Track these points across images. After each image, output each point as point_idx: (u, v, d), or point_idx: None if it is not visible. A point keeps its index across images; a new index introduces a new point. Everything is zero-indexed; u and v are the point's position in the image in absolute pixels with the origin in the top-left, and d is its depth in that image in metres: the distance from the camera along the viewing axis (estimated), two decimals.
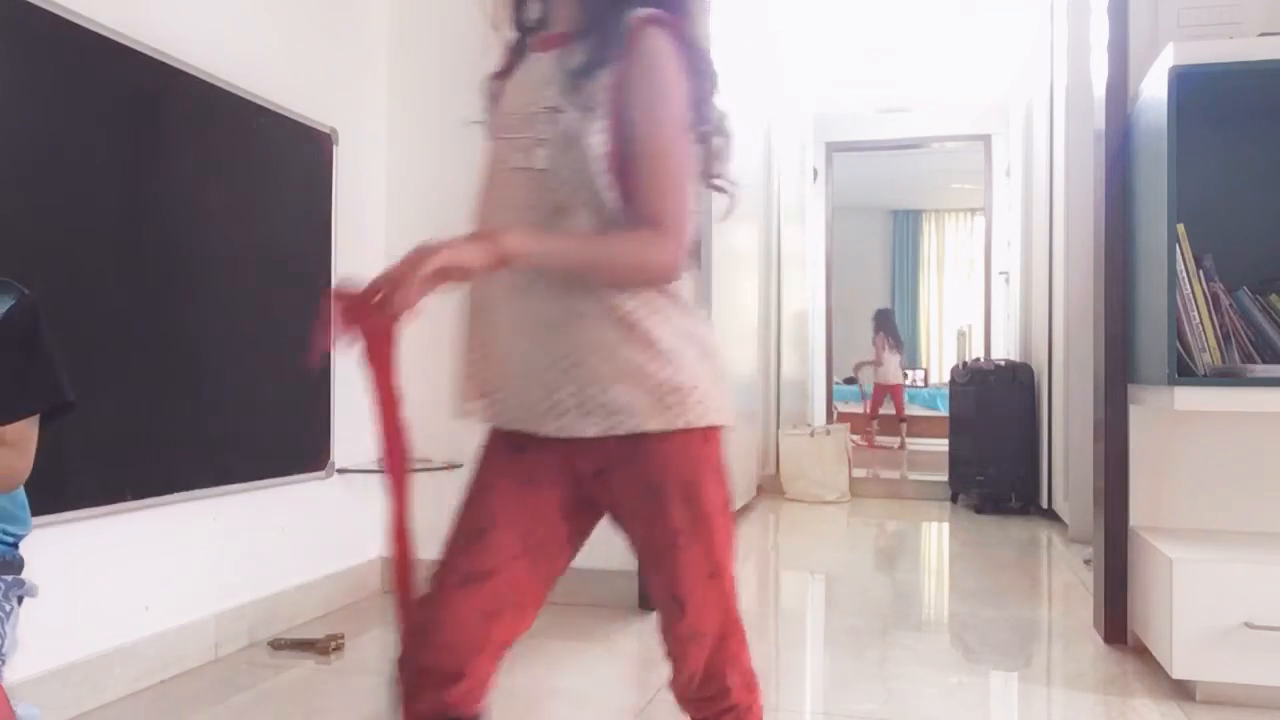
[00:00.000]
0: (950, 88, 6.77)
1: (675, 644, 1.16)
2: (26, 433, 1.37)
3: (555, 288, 1.08)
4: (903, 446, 7.95)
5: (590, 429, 1.06)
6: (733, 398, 1.17)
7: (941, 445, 5.78)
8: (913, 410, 9.05)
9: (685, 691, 1.18)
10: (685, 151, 1.10)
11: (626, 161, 1.06)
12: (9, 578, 1.43)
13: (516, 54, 1.22)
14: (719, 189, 1.24)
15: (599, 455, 1.09)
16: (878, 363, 8.46)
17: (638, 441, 1.07)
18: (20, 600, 1.45)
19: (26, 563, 1.48)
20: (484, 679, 1.13)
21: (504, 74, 1.22)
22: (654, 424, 1.07)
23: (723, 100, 1.18)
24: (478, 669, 1.11)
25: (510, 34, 1.23)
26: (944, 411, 5.94)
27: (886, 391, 8.40)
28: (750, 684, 1.20)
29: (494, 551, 1.13)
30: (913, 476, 6.23)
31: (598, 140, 1.06)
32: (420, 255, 0.98)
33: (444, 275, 0.99)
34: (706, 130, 1.15)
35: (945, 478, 5.59)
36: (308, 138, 2.84)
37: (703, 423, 1.10)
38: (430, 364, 3.57)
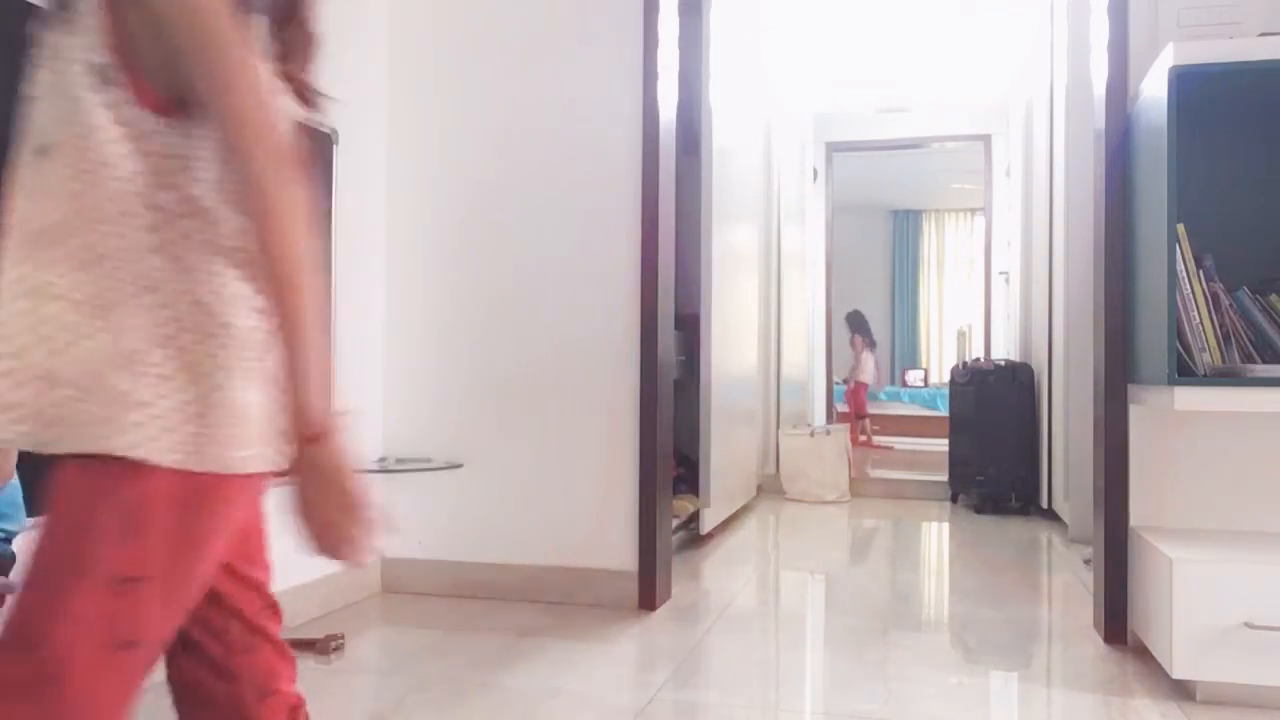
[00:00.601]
0: (950, 88, 6.77)
1: None
2: None
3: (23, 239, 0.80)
4: (870, 443, 8.13)
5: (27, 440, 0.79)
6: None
7: (941, 445, 5.78)
8: (912, 410, 9.07)
9: None
10: (252, 72, 0.81)
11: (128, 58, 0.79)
12: None
13: None
14: (304, 97, 0.95)
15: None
16: (858, 364, 8.62)
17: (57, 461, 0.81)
18: (1, 600, 1.45)
19: (18, 561, 1.48)
20: None
21: None
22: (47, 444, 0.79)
23: None
24: None
25: None
26: (944, 411, 5.94)
27: (864, 389, 8.53)
28: None
29: None
30: (910, 476, 6.23)
31: (93, 58, 0.80)
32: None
33: None
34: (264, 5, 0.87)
35: (945, 478, 5.59)
36: (308, 138, 2.83)
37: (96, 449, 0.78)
38: (429, 363, 3.57)
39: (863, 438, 8.19)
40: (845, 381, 8.76)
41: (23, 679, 0.76)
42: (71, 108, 0.79)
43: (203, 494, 0.83)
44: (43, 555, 0.79)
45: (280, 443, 0.87)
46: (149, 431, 0.78)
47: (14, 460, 1.37)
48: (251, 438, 0.84)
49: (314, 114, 0.96)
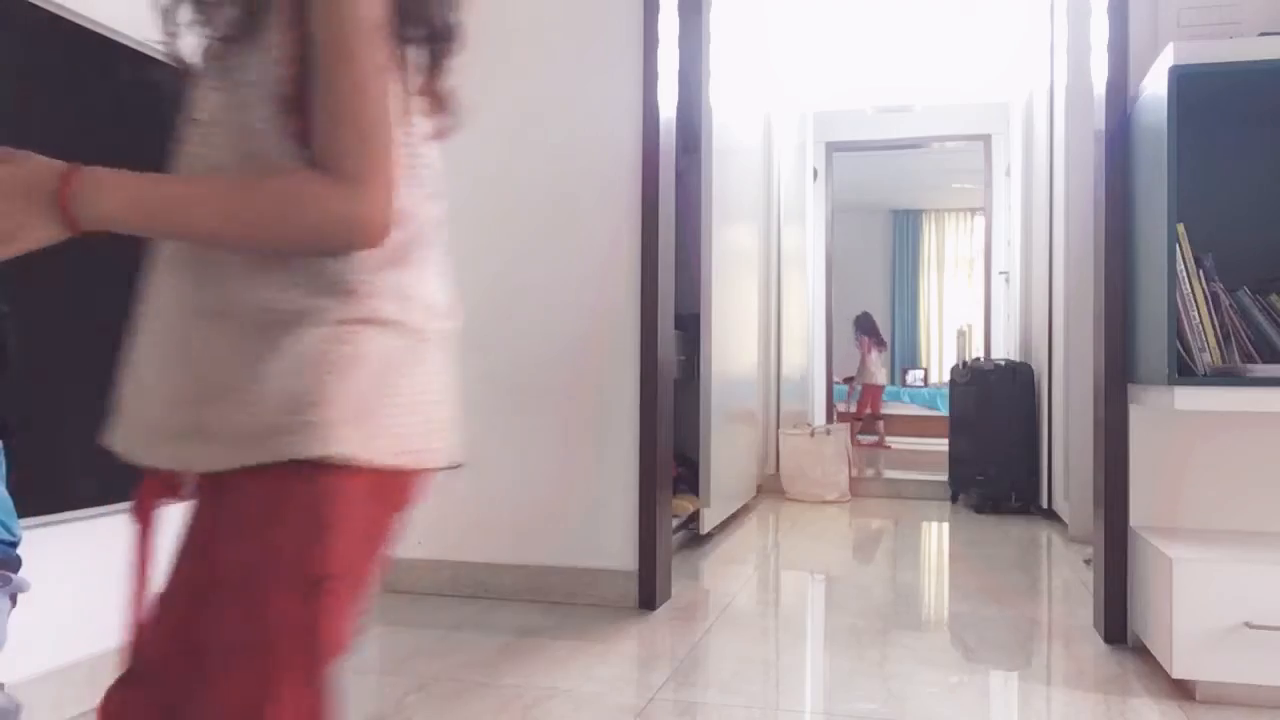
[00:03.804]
0: (950, 87, 6.77)
1: None
2: None
3: (189, 266, 0.82)
4: (884, 444, 8.11)
5: (205, 460, 0.81)
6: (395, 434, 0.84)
7: (941, 445, 5.78)
8: (912, 410, 9.09)
9: None
10: (378, 64, 0.79)
11: (306, 91, 0.79)
12: None
13: None
14: (441, 110, 0.93)
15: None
16: (865, 366, 8.63)
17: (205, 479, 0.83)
18: (14, 598, 1.45)
19: (24, 562, 1.48)
20: None
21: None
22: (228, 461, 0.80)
23: None
24: None
25: None
26: (944, 411, 5.94)
27: (873, 392, 8.54)
28: None
29: None
30: (910, 476, 6.23)
31: (266, 74, 0.80)
32: None
33: None
34: (422, 34, 0.86)
35: (945, 477, 5.59)
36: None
37: (263, 459, 0.79)
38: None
39: (874, 438, 8.20)
40: (846, 381, 8.78)
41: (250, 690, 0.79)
42: (247, 134, 0.81)
43: (379, 490, 0.83)
44: (229, 565, 0.80)
45: (448, 435, 0.87)
46: (333, 433, 0.79)
47: None
48: (419, 432, 0.84)
49: (450, 127, 0.96)
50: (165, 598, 0.87)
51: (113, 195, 0.79)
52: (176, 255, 0.84)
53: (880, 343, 8.90)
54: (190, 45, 0.89)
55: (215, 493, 0.82)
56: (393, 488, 0.84)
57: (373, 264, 0.82)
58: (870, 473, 6.42)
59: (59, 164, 0.82)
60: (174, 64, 0.90)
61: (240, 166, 0.81)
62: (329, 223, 0.77)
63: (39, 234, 0.79)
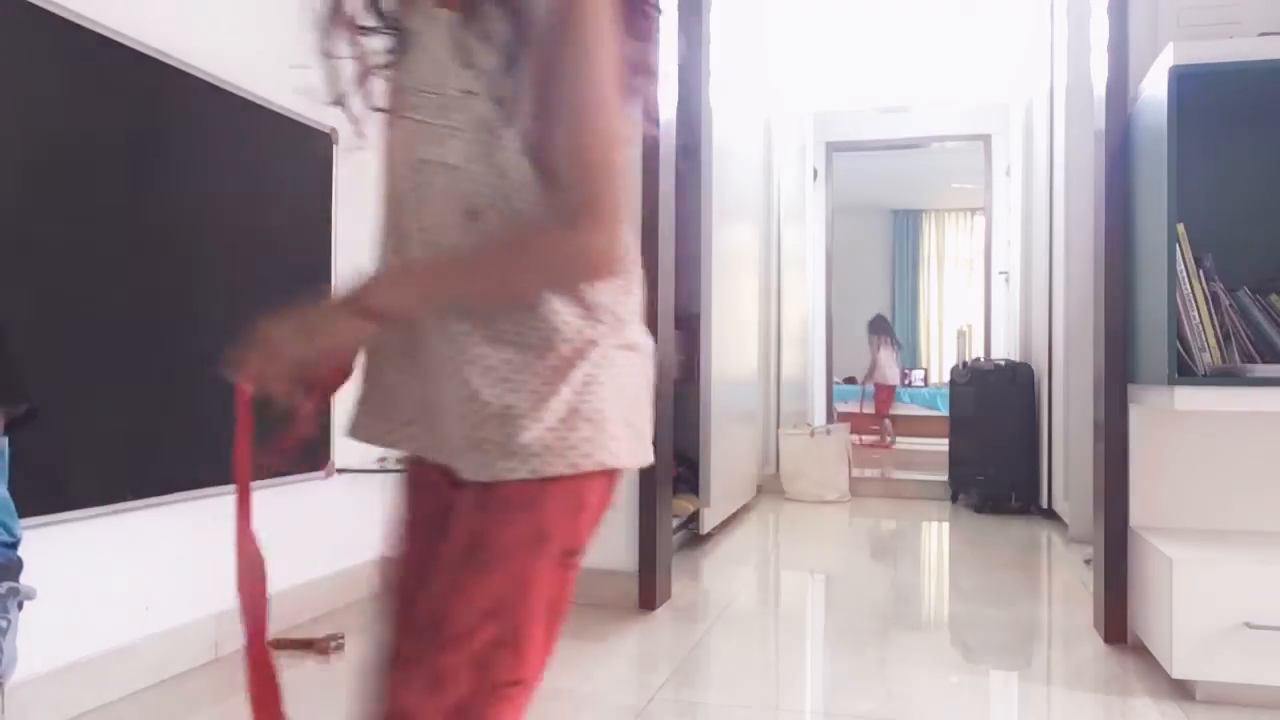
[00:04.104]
0: (950, 87, 6.77)
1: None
2: None
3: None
4: (892, 444, 8.13)
5: (479, 470, 0.91)
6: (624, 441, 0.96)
7: (941, 445, 5.78)
8: (912, 410, 9.09)
9: None
10: (616, 115, 0.88)
11: (549, 140, 0.88)
12: (4, 586, 1.41)
13: (410, 6, 0.95)
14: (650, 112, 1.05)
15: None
16: (875, 365, 8.63)
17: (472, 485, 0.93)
18: (20, 606, 1.45)
19: (25, 565, 1.48)
20: None
21: (397, 33, 0.96)
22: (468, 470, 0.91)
23: (658, 36, 1.00)
24: None
25: None
26: (944, 411, 5.95)
27: (885, 392, 8.54)
28: None
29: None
30: (910, 476, 6.23)
31: (518, 129, 0.88)
32: (293, 336, 0.94)
33: (316, 360, 0.96)
34: (639, 81, 0.95)
35: (945, 477, 5.59)
36: (308, 138, 2.84)
37: (576, 470, 0.91)
38: None
39: (888, 439, 8.20)
40: (848, 382, 8.78)
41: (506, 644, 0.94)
42: (501, 178, 0.90)
43: (611, 482, 0.96)
44: (501, 540, 0.90)
45: (643, 439, 0.97)
46: (610, 448, 0.92)
47: None
48: (623, 437, 0.94)
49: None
50: (439, 569, 0.94)
51: (394, 298, 0.92)
52: None
53: (895, 342, 8.93)
54: (381, 94, 0.97)
55: (487, 494, 0.91)
56: (616, 480, 0.97)
57: (619, 292, 0.95)
58: (878, 473, 6.40)
59: (352, 288, 0.94)
60: (338, 104, 0.97)
61: (495, 207, 0.90)
62: (576, 260, 0.88)
63: (353, 333, 0.95)
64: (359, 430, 1.07)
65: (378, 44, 0.96)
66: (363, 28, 0.96)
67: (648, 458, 0.97)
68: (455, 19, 0.90)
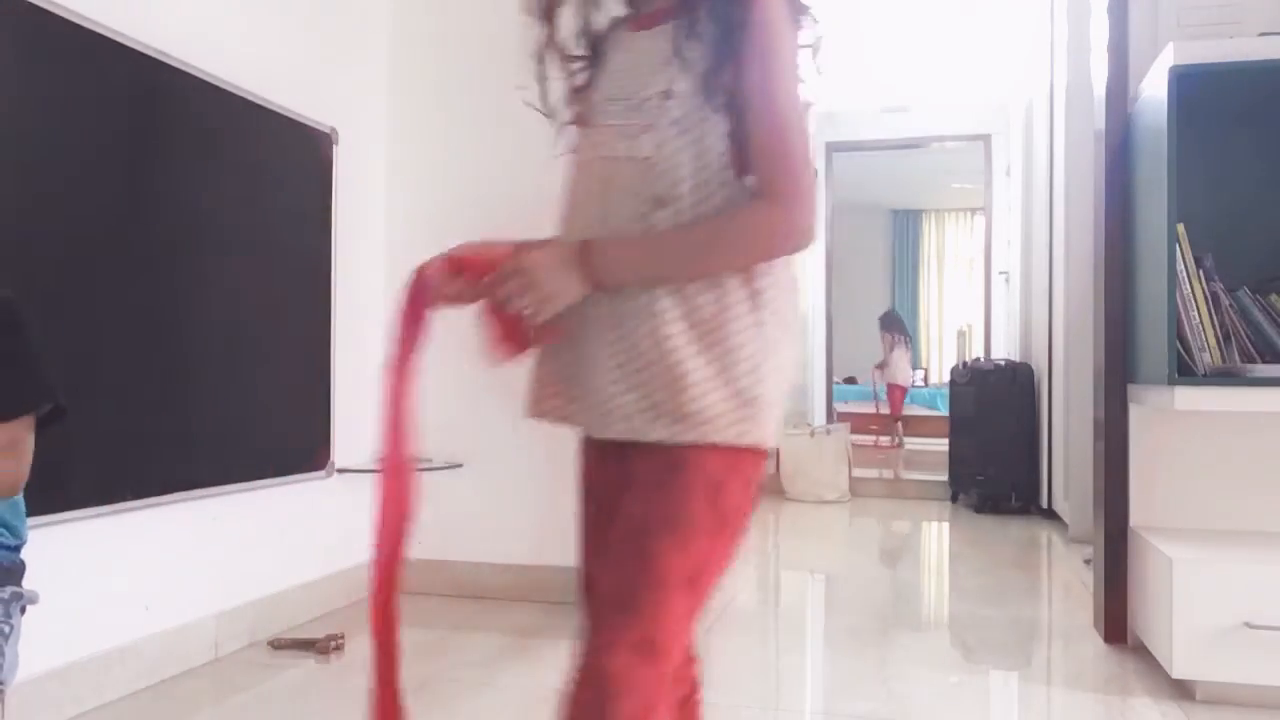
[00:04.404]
0: (950, 88, 6.76)
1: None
2: (20, 435, 1.32)
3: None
4: (900, 445, 8.08)
5: (655, 433, 1.00)
6: (778, 417, 1.05)
7: (941, 445, 5.78)
8: (912, 410, 9.08)
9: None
10: (801, 115, 1.03)
11: (743, 137, 1.01)
12: (8, 590, 1.41)
13: (607, 36, 1.14)
14: None
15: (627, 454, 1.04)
16: (889, 364, 8.59)
17: (651, 448, 1.02)
18: (23, 610, 1.44)
19: (27, 567, 1.47)
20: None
21: (594, 58, 1.14)
22: (690, 436, 0.99)
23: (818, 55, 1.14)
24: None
25: (592, 16, 1.15)
26: (944, 411, 5.95)
27: (897, 392, 8.52)
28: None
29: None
30: (911, 476, 6.23)
31: (717, 124, 1.01)
32: (518, 280, 1.01)
33: (532, 307, 1.02)
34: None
35: (945, 477, 5.59)
36: (308, 138, 2.84)
37: (742, 442, 1.01)
38: (429, 363, 3.55)
39: (895, 441, 8.18)
40: (848, 382, 8.77)
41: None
42: (702, 168, 1.01)
43: (761, 464, 1.06)
44: (685, 512, 0.99)
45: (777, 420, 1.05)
46: (766, 428, 1.02)
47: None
48: (775, 420, 1.04)
49: None
50: (622, 539, 1.02)
51: (615, 263, 1.02)
52: None
53: (907, 340, 8.88)
54: (562, 97, 1.15)
55: (663, 461, 1.00)
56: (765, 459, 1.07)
57: (784, 280, 1.06)
58: (890, 474, 6.40)
59: (573, 244, 1.05)
60: (547, 114, 1.16)
61: (691, 194, 1.01)
62: (774, 237, 1.02)
63: (571, 295, 1.02)
64: (542, 410, 1.14)
65: (580, 65, 1.15)
66: (571, 56, 1.14)
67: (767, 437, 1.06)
68: (659, 32, 1.05)
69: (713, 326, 1.00)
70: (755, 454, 1.03)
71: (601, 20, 1.14)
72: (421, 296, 1.09)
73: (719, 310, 1.00)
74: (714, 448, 0.99)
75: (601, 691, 0.93)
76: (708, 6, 1.01)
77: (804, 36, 1.08)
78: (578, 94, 1.15)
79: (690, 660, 1.18)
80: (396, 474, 1.11)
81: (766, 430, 1.02)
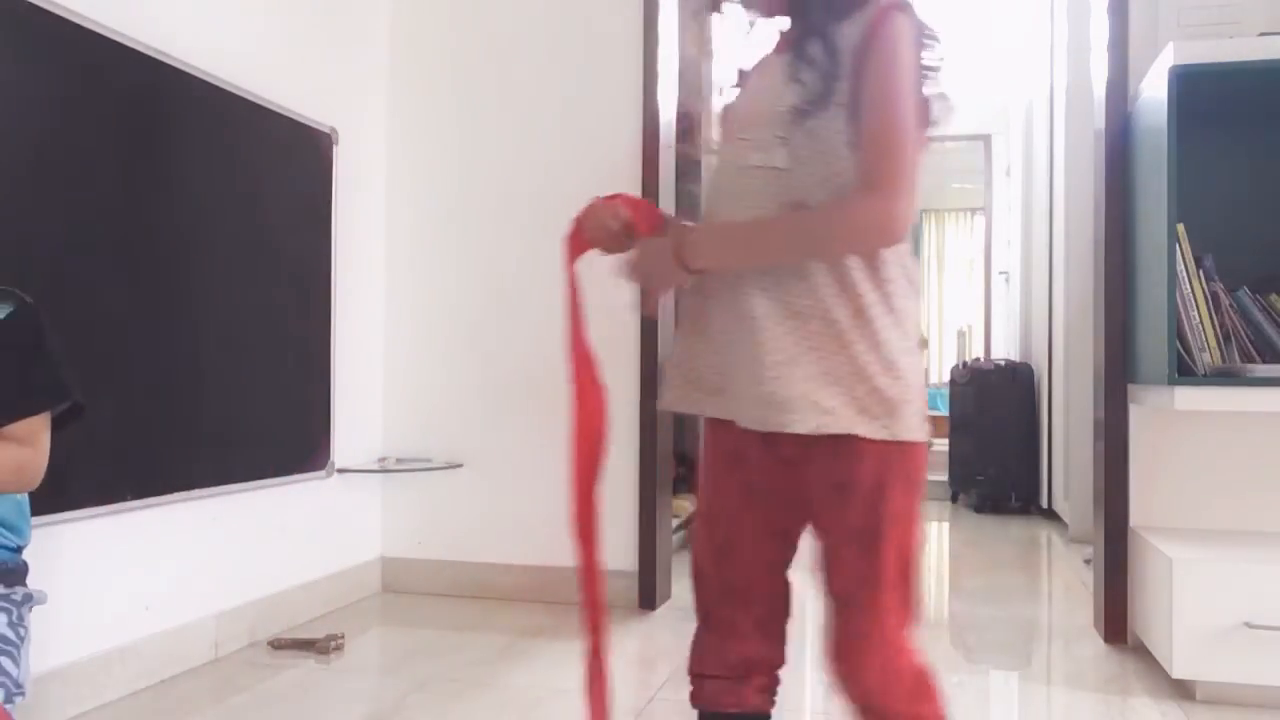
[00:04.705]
0: (950, 87, 6.76)
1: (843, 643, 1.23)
2: (38, 430, 1.37)
3: (769, 281, 1.10)
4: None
5: (799, 426, 1.07)
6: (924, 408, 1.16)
7: (941, 445, 5.78)
8: None
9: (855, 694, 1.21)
10: (911, 124, 1.10)
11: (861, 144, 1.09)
12: (19, 592, 1.42)
13: (756, 60, 1.25)
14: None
15: (796, 446, 1.12)
16: None
17: (838, 441, 1.09)
18: (29, 610, 1.45)
19: (30, 568, 1.47)
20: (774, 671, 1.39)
21: (741, 80, 1.26)
22: (860, 430, 1.08)
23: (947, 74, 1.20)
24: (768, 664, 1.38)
25: (745, 40, 1.26)
26: (944, 411, 5.95)
27: None
28: (910, 693, 1.18)
29: (743, 565, 1.36)
30: None
31: (843, 137, 1.08)
32: (630, 261, 1.20)
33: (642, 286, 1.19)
34: (929, 111, 1.17)
35: (945, 478, 5.59)
36: (308, 138, 2.84)
37: (907, 437, 1.11)
38: (429, 363, 3.57)
39: None
40: None
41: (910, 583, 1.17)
42: (833, 173, 1.09)
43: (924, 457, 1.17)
44: (893, 513, 1.13)
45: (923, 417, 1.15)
46: (917, 421, 1.12)
47: None
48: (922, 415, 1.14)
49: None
50: (843, 543, 1.21)
51: (704, 248, 1.14)
52: (767, 273, 1.11)
53: (923, 339, 8.86)
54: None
55: (842, 457, 1.10)
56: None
57: (906, 279, 1.13)
58: None
59: (675, 230, 1.19)
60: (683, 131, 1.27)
61: (824, 198, 1.09)
62: (869, 228, 1.07)
63: (677, 280, 1.17)
64: (675, 399, 1.26)
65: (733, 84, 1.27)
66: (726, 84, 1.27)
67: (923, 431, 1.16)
68: (789, 56, 1.12)
69: (864, 320, 1.08)
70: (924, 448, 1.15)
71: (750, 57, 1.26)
72: (582, 231, 1.30)
73: (863, 308, 1.08)
74: (907, 443, 1.11)
75: (919, 690, 1.16)
76: (835, 28, 1.10)
77: (928, 57, 1.14)
78: (726, 111, 1.26)
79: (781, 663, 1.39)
80: (587, 391, 1.37)
81: (924, 429, 1.13)
